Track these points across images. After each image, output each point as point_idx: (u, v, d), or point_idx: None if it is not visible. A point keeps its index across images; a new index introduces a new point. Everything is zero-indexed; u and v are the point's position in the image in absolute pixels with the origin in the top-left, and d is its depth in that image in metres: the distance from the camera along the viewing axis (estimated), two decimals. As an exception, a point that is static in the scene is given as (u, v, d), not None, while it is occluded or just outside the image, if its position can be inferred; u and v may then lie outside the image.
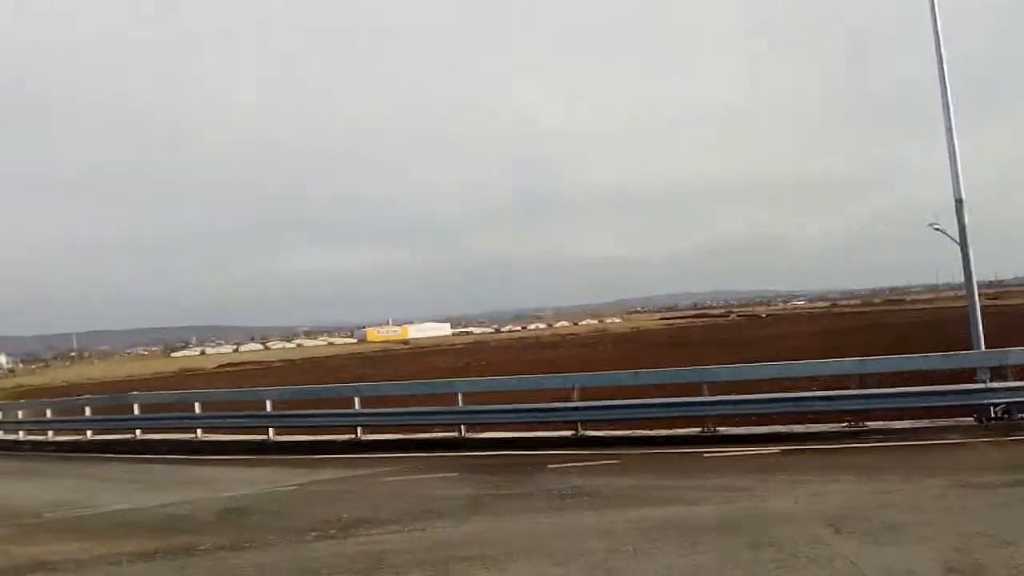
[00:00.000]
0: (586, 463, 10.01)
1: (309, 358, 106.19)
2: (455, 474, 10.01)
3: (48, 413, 20.80)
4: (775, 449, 10.13)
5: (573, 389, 12.51)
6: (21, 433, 21.13)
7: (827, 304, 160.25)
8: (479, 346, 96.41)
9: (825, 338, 39.14)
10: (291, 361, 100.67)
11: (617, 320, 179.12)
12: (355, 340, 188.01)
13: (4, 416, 22.68)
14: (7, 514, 9.87)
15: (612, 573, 5.22)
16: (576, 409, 12.32)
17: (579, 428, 12.30)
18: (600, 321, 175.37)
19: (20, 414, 21.93)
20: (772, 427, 11.41)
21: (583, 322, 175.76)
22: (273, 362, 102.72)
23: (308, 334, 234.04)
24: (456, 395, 13.37)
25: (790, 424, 11.46)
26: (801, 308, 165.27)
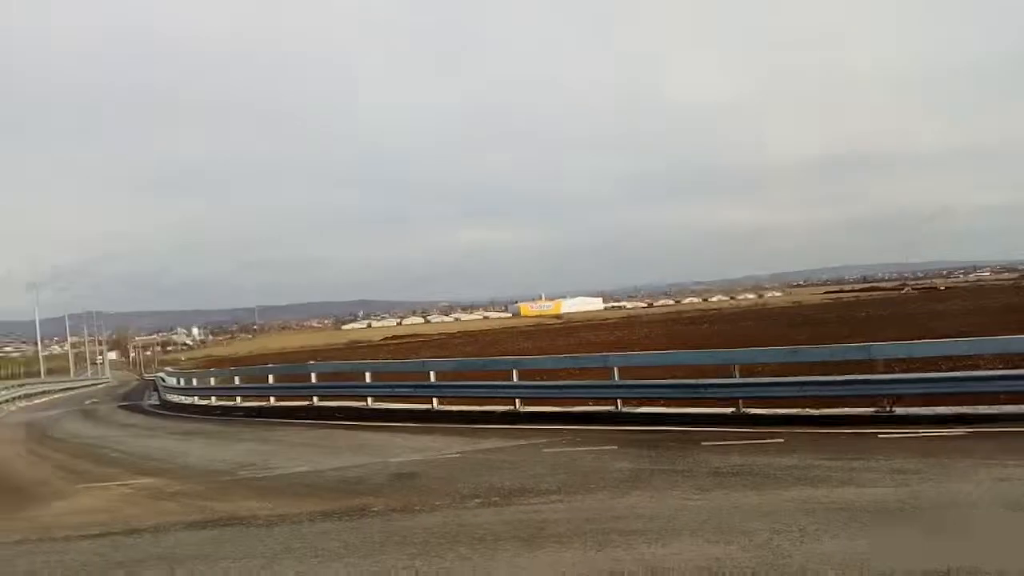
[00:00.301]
0: (747, 441, 9.72)
1: (466, 331, 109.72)
2: (613, 447, 10.02)
3: (236, 380, 22.76)
4: (958, 431, 9.39)
5: (733, 366, 12.16)
6: (213, 399, 23.30)
7: (1016, 276, 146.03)
8: (631, 321, 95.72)
9: (1010, 313, 35.55)
10: (449, 334, 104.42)
11: (777, 294, 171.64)
12: (509, 314, 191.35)
13: (199, 383, 25.11)
14: (206, 472, 10.93)
15: (778, 554, 5.06)
16: (737, 385, 11.97)
17: (740, 405, 11.95)
18: (759, 295, 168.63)
19: (212, 381, 24.19)
20: (955, 408, 10.55)
21: (740, 296, 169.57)
22: (433, 335, 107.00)
23: (465, 308, 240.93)
24: (611, 369, 13.36)
25: (975, 405, 10.56)
26: (986, 280, 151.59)
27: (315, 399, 18.97)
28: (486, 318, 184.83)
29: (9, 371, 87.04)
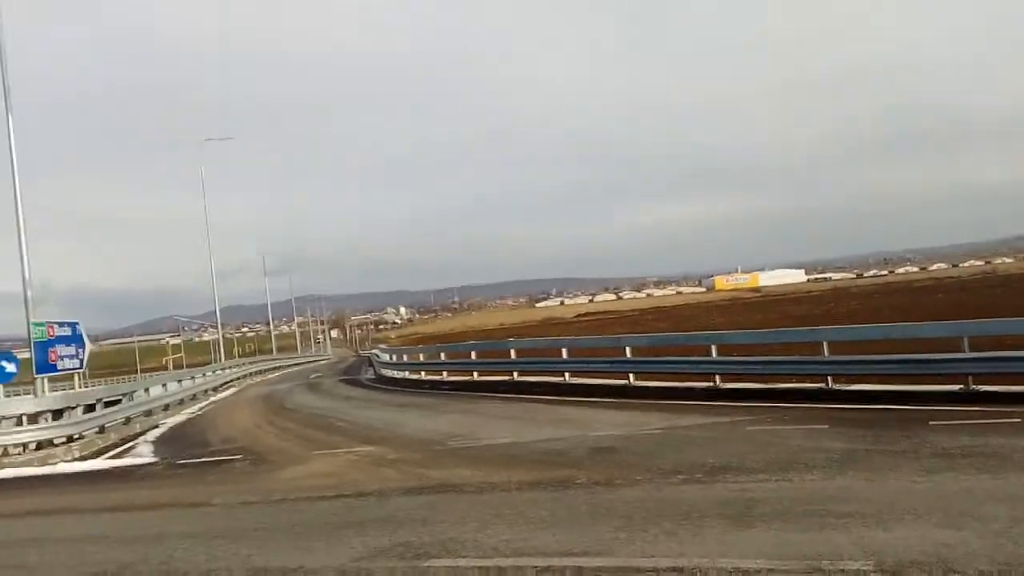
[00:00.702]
0: (978, 420, 8.89)
1: (658, 307, 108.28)
2: (823, 426, 9.54)
3: (442, 356, 24.07)
4: None
5: (962, 338, 11.09)
6: (422, 373, 24.81)
7: None
8: (838, 293, 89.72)
9: None
10: (641, 310, 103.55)
11: (1008, 260, 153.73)
12: (703, 289, 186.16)
13: (409, 358, 26.84)
14: (420, 441, 11.69)
15: (1020, 543, 4.63)
16: (967, 360, 10.92)
17: (969, 382, 10.91)
18: (987, 262, 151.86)
19: (421, 357, 25.75)
20: None
21: (965, 263, 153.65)
22: (625, 311, 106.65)
23: (657, 284, 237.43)
24: (820, 344, 12.67)
25: None
26: None
27: (515, 374, 19.63)
28: (679, 293, 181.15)
29: (246, 349, 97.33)
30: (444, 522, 6.47)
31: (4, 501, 10.53)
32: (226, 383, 34.94)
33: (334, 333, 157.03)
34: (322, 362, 73.09)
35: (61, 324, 16.41)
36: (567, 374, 17.73)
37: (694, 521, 5.74)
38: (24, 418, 13.99)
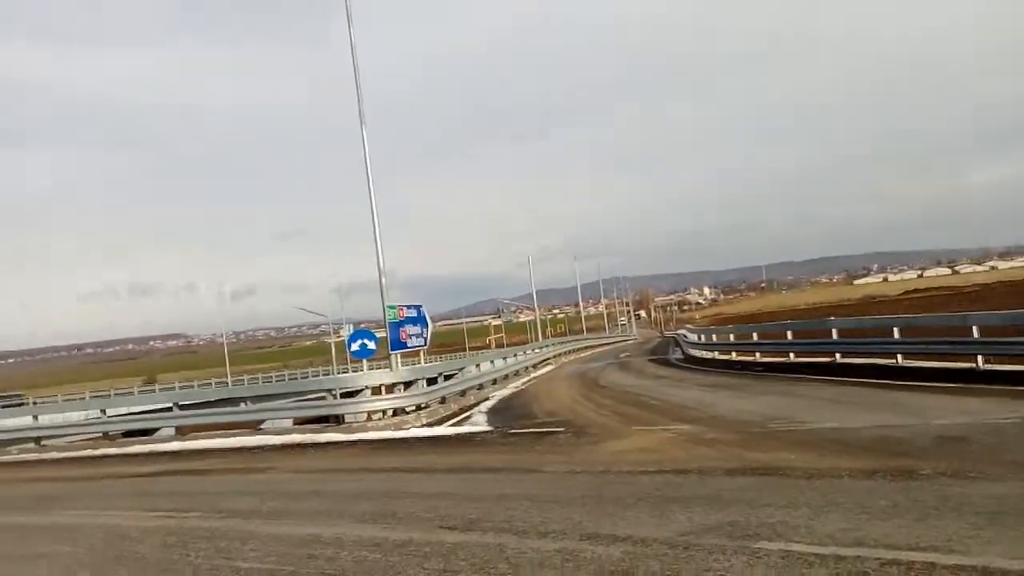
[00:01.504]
0: None
1: (1007, 281, 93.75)
2: None
3: (754, 336, 23.33)
4: None
5: None
6: (733, 354, 24.26)
7: None
8: None
9: None
10: (984, 284, 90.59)
11: None
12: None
13: (718, 339, 26.39)
14: (736, 422, 11.48)
15: None
16: None
17: None
18: None
19: (731, 337, 25.19)
20: None
21: None
22: (963, 287, 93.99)
23: (1003, 255, 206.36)
24: None
25: None
26: None
27: (837, 356, 18.40)
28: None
29: (556, 330, 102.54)
30: (771, 505, 6.32)
31: (373, 457, 12.36)
32: (543, 360, 37.22)
33: (638, 314, 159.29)
34: (628, 342, 74.58)
35: (408, 307, 18.70)
36: (899, 356, 16.19)
37: (1076, 526, 5.00)
38: (383, 388, 16.27)
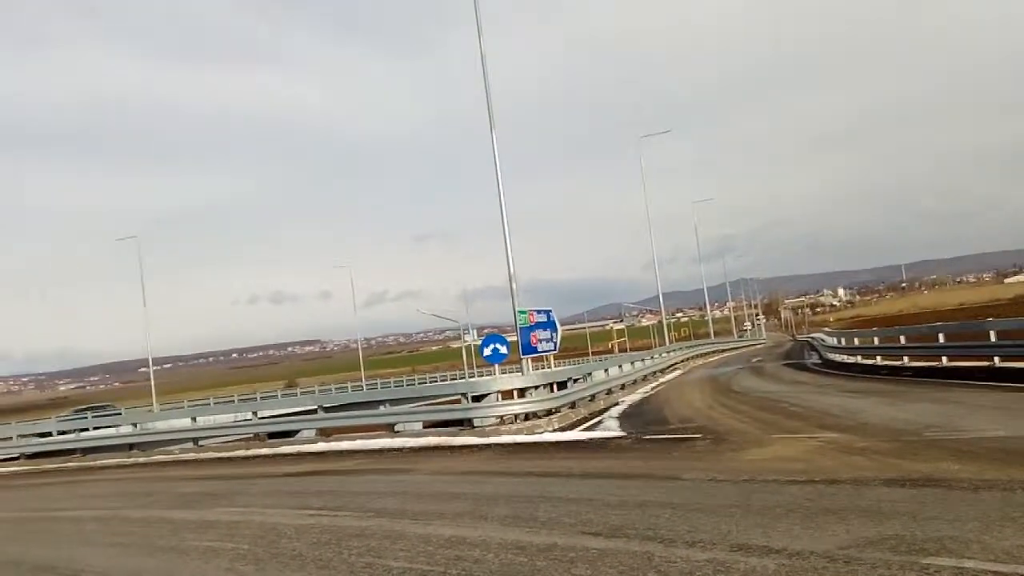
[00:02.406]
0: None
1: None
2: None
3: (902, 340, 22.01)
4: None
5: None
6: (878, 358, 22.97)
7: None
8: None
9: None
10: None
11: None
12: None
13: (860, 342, 25.06)
14: (887, 430, 10.86)
15: None
16: None
17: None
18: None
19: (875, 340, 23.86)
20: None
21: None
22: None
23: None
24: None
25: None
26: None
27: (996, 359, 17.09)
28: None
29: (680, 334, 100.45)
30: (937, 519, 5.95)
31: (509, 461, 12.51)
32: (671, 365, 36.56)
33: (766, 317, 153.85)
34: (759, 346, 72.08)
35: (539, 311, 18.83)
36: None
37: None
38: (514, 393, 16.44)
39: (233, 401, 54.36)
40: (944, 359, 19.37)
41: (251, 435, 20.72)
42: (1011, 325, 18.47)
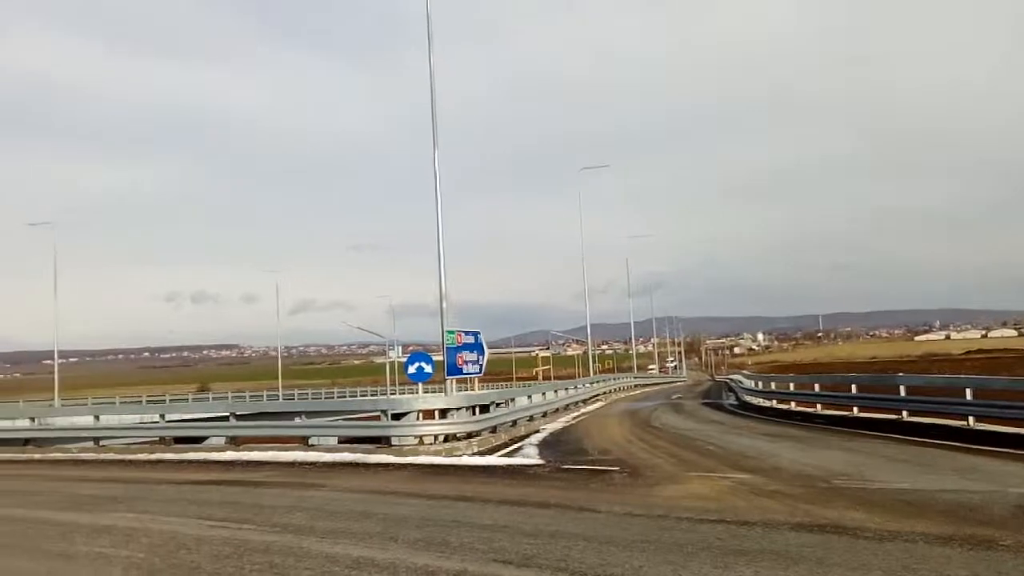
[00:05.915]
0: None
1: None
2: None
3: (816, 388, 22.68)
4: None
5: None
6: (792, 404, 23.61)
7: None
8: None
9: None
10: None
11: None
12: None
13: (777, 387, 25.74)
14: (799, 475, 11.10)
15: None
16: None
17: None
18: None
19: (791, 386, 24.53)
20: None
21: None
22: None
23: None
24: None
25: None
26: None
27: (904, 413, 17.77)
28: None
29: (604, 366, 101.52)
30: (841, 565, 6.08)
31: (425, 483, 12.27)
32: (594, 396, 36.82)
33: (688, 355, 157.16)
34: (679, 383, 73.39)
35: (467, 332, 18.73)
36: (971, 419, 15.54)
37: None
38: (435, 413, 16.22)
39: (140, 402, 52.26)
40: (855, 409, 20.03)
41: (156, 438, 19.87)
42: (919, 381, 19.26)
